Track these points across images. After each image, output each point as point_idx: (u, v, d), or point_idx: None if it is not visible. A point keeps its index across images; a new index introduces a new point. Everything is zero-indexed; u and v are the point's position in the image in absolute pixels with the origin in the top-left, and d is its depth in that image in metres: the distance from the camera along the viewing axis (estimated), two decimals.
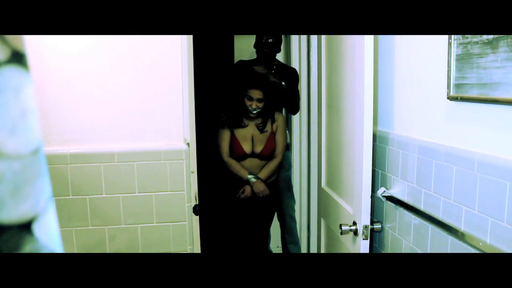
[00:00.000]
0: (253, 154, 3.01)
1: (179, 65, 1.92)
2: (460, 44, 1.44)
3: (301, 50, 3.65)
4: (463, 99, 1.45)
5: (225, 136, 2.97)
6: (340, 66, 2.20)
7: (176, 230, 1.94)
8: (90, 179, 1.86)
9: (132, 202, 1.90)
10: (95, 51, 1.87)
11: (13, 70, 0.38)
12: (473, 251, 1.40)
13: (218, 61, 3.37)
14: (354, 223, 1.94)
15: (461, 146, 1.49)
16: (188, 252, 1.97)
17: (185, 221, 1.95)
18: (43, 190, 0.38)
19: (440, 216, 1.59)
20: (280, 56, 3.83)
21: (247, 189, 3.01)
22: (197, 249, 2.14)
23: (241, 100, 2.88)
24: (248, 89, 2.85)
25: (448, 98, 1.51)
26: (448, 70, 1.50)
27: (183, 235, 1.95)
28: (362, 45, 1.80)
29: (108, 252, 1.93)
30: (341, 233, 1.98)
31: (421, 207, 1.71)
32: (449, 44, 1.49)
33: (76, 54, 1.87)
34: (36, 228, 0.37)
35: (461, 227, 1.46)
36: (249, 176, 2.97)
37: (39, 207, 0.38)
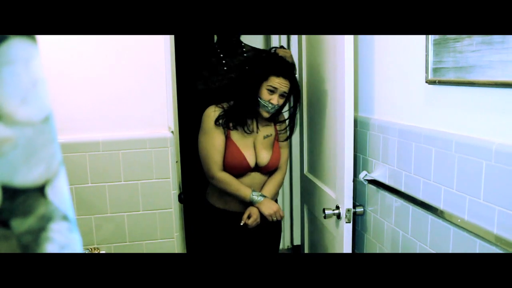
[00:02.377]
0: (255, 167, 2.15)
1: (162, 52, 1.93)
2: None
3: (280, 37, 3.66)
4: (440, 83, 1.50)
5: (218, 139, 2.04)
6: (321, 53, 2.24)
7: (163, 218, 1.96)
8: (75, 168, 1.86)
9: (118, 191, 1.91)
10: (77, 40, 1.86)
11: (22, 42, 0.40)
12: (452, 228, 1.46)
13: (200, 49, 3.33)
14: (337, 207, 1.99)
15: (439, 128, 1.54)
16: (175, 239, 2.00)
17: (171, 209, 1.97)
18: (55, 155, 0.40)
19: (420, 196, 1.64)
20: (260, 44, 3.83)
21: (255, 212, 2.09)
22: (183, 237, 2.16)
23: (255, 91, 2.00)
24: (274, 77, 1.98)
25: (426, 82, 1.56)
26: (426, 55, 1.54)
27: (169, 223, 1.98)
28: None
29: (95, 242, 1.94)
30: (325, 217, 2.03)
31: (402, 188, 1.77)
32: None
33: (58, 42, 1.86)
34: (49, 191, 0.40)
35: (440, 205, 1.52)
36: (254, 195, 2.07)
37: (51, 171, 0.40)
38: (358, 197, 2.17)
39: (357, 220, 2.20)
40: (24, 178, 0.39)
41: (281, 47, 2.19)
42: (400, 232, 1.81)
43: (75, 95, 1.90)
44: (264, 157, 2.14)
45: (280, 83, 1.98)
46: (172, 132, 1.98)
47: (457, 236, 1.45)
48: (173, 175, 1.96)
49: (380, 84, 1.95)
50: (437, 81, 1.51)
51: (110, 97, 1.91)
